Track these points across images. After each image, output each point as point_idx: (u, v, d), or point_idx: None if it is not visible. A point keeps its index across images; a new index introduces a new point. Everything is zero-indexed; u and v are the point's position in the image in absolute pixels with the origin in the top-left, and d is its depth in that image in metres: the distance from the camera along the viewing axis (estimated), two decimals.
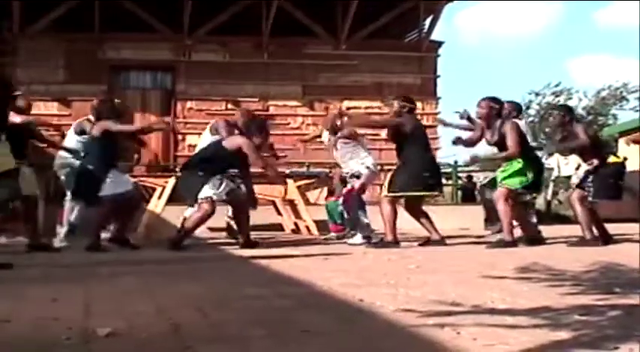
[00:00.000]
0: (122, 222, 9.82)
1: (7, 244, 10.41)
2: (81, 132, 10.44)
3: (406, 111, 9.83)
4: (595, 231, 9.68)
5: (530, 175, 9.48)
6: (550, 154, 17.05)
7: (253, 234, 10.53)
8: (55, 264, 7.78)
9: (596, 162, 9.65)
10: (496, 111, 9.59)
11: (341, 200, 10.89)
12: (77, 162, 9.90)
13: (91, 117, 10.62)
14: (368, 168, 10.57)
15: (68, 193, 10.15)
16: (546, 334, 3.37)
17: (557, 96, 37.85)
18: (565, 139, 9.96)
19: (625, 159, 10.01)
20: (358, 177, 10.52)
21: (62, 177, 10.46)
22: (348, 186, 10.65)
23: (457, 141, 9.94)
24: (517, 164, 9.49)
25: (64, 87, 16.70)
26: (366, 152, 10.74)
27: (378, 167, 11.35)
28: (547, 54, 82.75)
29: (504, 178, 9.62)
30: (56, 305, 4.52)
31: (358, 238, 10.28)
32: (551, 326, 3.57)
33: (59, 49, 17.26)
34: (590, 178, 9.68)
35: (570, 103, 37.51)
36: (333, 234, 11.23)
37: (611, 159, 9.73)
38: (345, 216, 10.76)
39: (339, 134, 10.67)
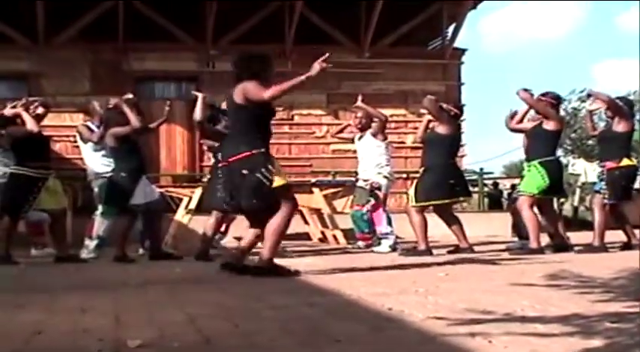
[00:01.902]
0: (152, 237, 9.92)
1: (37, 256, 10.46)
2: (83, 140, 10.59)
3: (452, 115, 9.96)
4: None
5: (547, 179, 9.49)
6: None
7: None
8: (84, 274, 7.83)
9: (609, 164, 9.73)
10: (552, 105, 9.77)
11: (365, 209, 10.85)
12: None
13: (90, 124, 10.67)
14: (385, 177, 10.69)
15: (100, 207, 10.14)
16: (578, 342, 3.36)
17: (582, 101, 37.64)
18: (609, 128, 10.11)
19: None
20: (379, 188, 10.61)
21: (95, 189, 10.46)
22: (372, 201, 10.71)
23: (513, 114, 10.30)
24: (534, 169, 9.52)
25: (89, 98, 16.75)
26: (388, 158, 10.80)
27: (395, 175, 11.46)
28: (571, 59, 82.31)
29: (522, 185, 9.74)
30: (86, 316, 4.54)
31: (385, 246, 10.33)
32: (582, 333, 3.55)
33: (84, 60, 17.35)
34: (604, 181, 9.75)
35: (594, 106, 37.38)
36: (360, 243, 11.19)
37: (625, 162, 9.73)
38: (375, 228, 10.73)
39: (372, 130, 10.94)
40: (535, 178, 9.51)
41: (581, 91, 38.38)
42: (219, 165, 7.18)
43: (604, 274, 6.35)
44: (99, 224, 10.01)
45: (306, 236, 13.68)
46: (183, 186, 13.80)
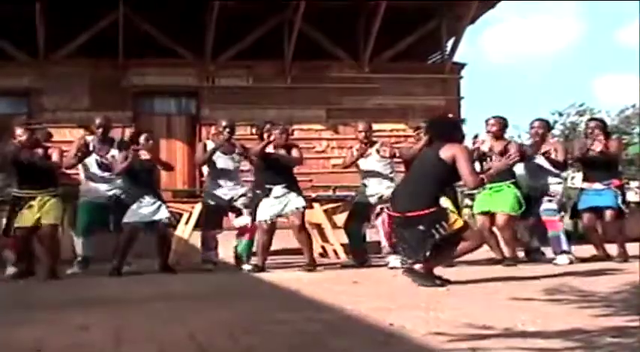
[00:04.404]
0: (160, 251, 10.15)
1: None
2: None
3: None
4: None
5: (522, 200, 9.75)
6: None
7: (280, 258, 10.57)
8: (84, 290, 7.82)
9: (616, 182, 10.11)
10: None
11: (379, 223, 10.56)
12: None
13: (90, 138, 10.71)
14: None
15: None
16: None
17: (580, 115, 37.77)
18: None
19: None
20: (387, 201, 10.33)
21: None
22: (383, 215, 10.14)
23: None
24: (509, 189, 9.69)
25: (89, 113, 16.74)
26: (394, 174, 10.64)
27: None
28: (572, 73, 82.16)
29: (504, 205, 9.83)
30: (86, 333, 4.54)
31: (396, 262, 10.02)
32: (583, 348, 3.55)
33: (84, 76, 17.30)
34: (620, 198, 10.07)
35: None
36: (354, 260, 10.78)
37: (623, 180, 10.15)
38: (384, 242, 10.45)
39: (379, 147, 10.69)
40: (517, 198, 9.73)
41: (580, 105, 38.71)
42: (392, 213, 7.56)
43: (604, 288, 6.35)
44: (77, 244, 10.12)
45: None
46: (184, 201, 13.80)
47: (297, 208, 10.03)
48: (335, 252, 12.49)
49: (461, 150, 7.30)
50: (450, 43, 18.88)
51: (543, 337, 3.91)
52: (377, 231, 10.62)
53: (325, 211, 13.02)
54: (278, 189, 10.01)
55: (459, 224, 7.27)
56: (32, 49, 16.73)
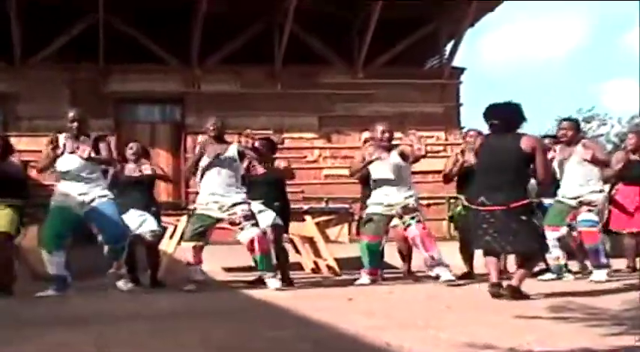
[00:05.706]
0: (151, 265, 10.34)
1: None
2: None
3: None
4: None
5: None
6: None
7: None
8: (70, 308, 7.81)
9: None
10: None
11: (384, 240, 10.25)
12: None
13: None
14: (417, 200, 10.05)
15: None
16: None
17: (588, 122, 37.77)
18: None
19: None
20: (415, 210, 9.91)
21: None
22: (414, 224, 9.80)
23: None
24: None
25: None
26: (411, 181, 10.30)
27: None
28: (575, 78, 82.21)
29: None
30: (70, 349, 4.53)
31: (448, 274, 9.60)
32: None
33: (63, 82, 17.27)
34: None
35: (603, 130, 37.79)
36: (366, 279, 10.04)
37: None
38: (425, 254, 9.75)
39: (401, 149, 10.28)
40: None
41: (589, 110, 38.80)
42: (485, 208, 7.66)
43: (613, 305, 6.35)
44: (46, 262, 9.61)
45: (298, 266, 13.61)
46: (168, 214, 13.75)
47: (267, 226, 9.90)
48: (328, 267, 12.47)
49: (540, 144, 7.71)
50: (448, 47, 18.89)
51: None
52: (414, 246, 10.08)
53: (317, 224, 13.01)
54: (255, 205, 9.83)
55: None
56: (7, 53, 16.71)
